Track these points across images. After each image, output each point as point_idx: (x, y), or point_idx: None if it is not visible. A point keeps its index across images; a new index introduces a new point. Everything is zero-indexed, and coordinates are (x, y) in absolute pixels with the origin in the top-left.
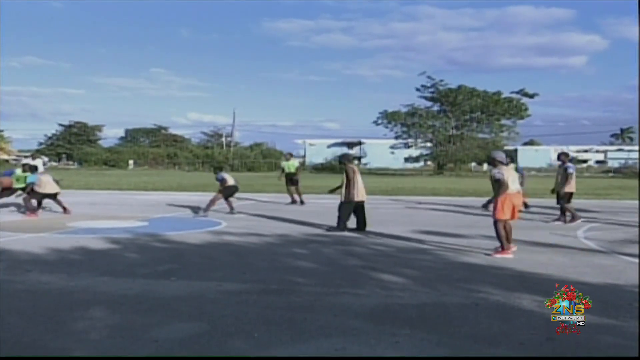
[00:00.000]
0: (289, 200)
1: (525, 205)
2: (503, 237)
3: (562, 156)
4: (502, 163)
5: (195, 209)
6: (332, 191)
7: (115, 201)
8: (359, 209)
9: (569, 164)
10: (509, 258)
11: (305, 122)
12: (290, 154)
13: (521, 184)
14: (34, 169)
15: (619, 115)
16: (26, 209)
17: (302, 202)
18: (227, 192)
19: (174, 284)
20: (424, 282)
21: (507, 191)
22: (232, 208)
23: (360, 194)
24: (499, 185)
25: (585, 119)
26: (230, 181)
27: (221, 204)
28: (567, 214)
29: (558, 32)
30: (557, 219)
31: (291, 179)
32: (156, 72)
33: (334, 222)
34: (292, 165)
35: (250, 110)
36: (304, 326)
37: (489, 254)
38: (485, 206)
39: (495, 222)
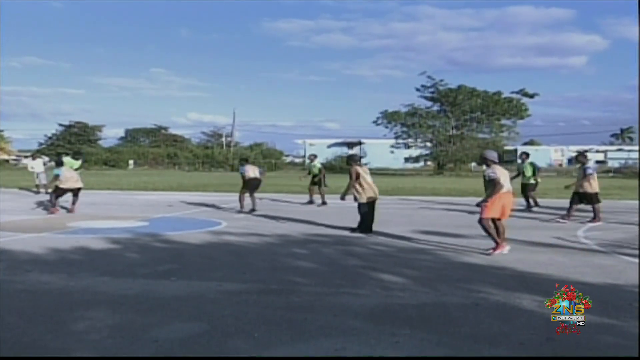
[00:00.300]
0: (307, 199)
1: (527, 205)
2: (494, 234)
3: (580, 157)
4: (494, 162)
5: (217, 207)
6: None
7: (115, 201)
8: None
9: (587, 165)
10: (507, 255)
11: (305, 122)
12: (314, 155)
13: (533, 178)
14: (60, 163)
15: (619, 115)
16: (51, 204)
17: (324, 203)
18: (249, 185)
19: (174, 284)
20: (424, 282)
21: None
22: (242, 207)
23: (369, 193)
24: (493, 185)
25: (585, 119)
26: (250, 173)
27: (222, 203)
28: (594, 213)
29: (558, 32)
30: (560, 219)
31: (313, 180)
32: (156, 72)
33: (334, 222)
34: (315, 166)
35: (250, 110)
36: (304, 326)
37: (488, 254)
38: (479, 205)
39: (480, 221)
